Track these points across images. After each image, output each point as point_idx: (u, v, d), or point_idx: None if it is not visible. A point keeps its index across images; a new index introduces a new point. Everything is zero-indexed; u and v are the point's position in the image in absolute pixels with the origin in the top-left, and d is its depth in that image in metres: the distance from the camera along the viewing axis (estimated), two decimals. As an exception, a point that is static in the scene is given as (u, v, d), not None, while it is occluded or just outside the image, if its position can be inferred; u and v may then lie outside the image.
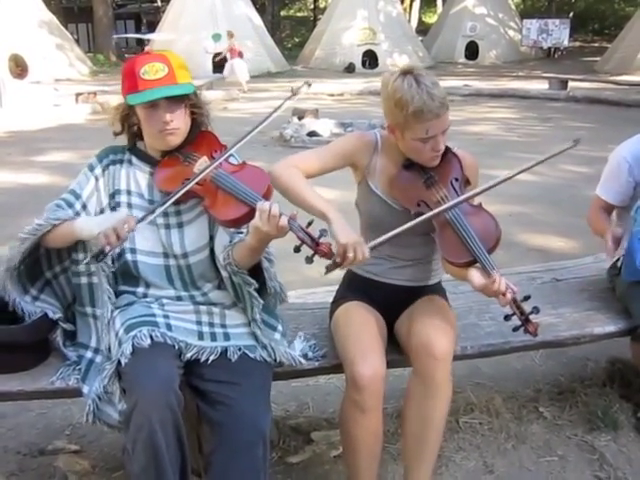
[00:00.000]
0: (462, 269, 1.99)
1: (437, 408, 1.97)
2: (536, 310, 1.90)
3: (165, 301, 2.02)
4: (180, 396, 1.78)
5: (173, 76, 1.90)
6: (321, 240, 1.73)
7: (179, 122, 1.93)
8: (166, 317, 1.95)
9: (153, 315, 1.93)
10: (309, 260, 1.75)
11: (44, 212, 1.96)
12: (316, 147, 8.11)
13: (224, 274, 1.99)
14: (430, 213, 1.98)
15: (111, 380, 1.83)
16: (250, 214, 1.81)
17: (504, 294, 1.88)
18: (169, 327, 1.91)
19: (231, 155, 1.98)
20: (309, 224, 1.75)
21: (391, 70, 2.05)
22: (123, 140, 2.05)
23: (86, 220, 1.94)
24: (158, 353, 1.80)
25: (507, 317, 1.93)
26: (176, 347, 1.88)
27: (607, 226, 2.59)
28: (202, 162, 1.96)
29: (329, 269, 1.89)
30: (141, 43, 18.12)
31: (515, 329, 1.93)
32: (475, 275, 1.93)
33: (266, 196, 1.84)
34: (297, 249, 1.74)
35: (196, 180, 1.88)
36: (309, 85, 2.02)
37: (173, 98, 1.89)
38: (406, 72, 1.98)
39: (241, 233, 1.91)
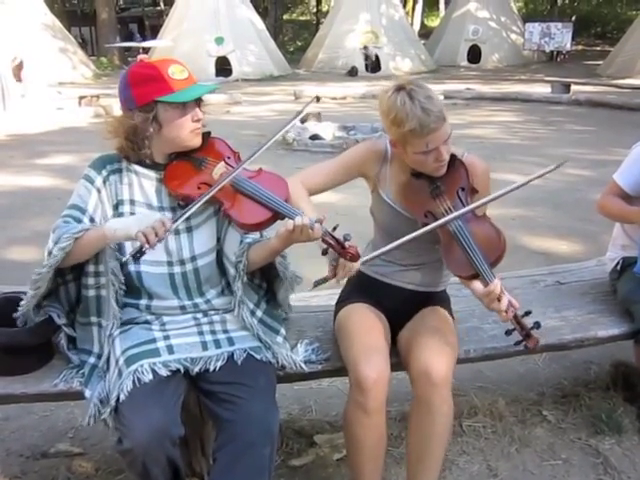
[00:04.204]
0: (466, 280, 2.00)
1: (437, 431, 1.97)
2: (537, 325, 1.92)
3: (166, 319, 2.01)
4: (180, 429, 1.78)
5: (193, 76, 1.94)
6: (347, 244, 1.77)
7: (203, 121, 1.97)
8: (167, 338, 1.94)
9: (154, 341, 1.92)
10: (334, 262, 1.81)
11: (52, 232, 1.88)
12: (318, 150, 8.08)
13: (232, 272, 2.01)
14: (431, 225, 1.98)
15: (111, 415, 1.81)
16: (273, 219, 1.86)
17: (506, 312, 1.88)
18: (170, 350, 1.90)
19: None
20: (334, 228, 1.80)
21: (386, 86, 2.02)
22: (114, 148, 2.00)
23: (117, 221, 1.89)
24: (157, 394, 1.78)
25: (508, 332, 1.95)
26: (181, 369, 1.88)
27: (633, 208, 2.53)
28: (220, 167, 1.98)
29: (318, 283, 1.92)
30: (147, 49, 18.15)
31: (516, 343, 1.95)
32: (479, 286, 1.93)
33: (288, 200, 1.88)
34: (325, 252, 1.80)
35: (224, 182, 1.88)
36: (318, 100, 2.05)
37: (197, 98, 1.93)
38: (399, 88, 1.96)
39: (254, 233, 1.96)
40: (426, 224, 2.02)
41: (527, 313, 1.92)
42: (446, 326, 2.14)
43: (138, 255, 1.75)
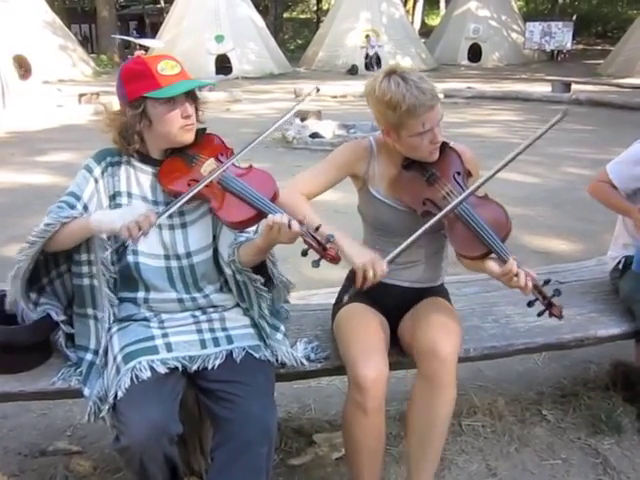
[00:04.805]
0: (478, 261, 1.97)
1: (442, 409, 1.96)
2: (558, 293, 1.88)
3: (165, 317, 2.00)
4: (178, 426, 1.78)
5: (186, 72, 1.93)
6: (328, 245, 1.75)
7: (194, 118, 1.95)
8: (165, 336, 1.94)
9: (152, 338, 1.92)
10: (316, 264, 1.76)
11: (46, 216, 1.90)
12: (318, 149, 8.06)
13: (228, 272, 2.00)
14: (442, 213, 1.95)
15: (109, 413, 1.80)
16: (258, 217, 1.84)
17: (526, 285, 1.86)
18: (169, 347, 1.90)
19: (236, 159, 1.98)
20: (317, 229, 1.77)
21: (374, 76, 2.02)
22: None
23: (103, 214, 1.88)
24: (155, 391, 1.77)
25: (530, 303, 1.91)
26: (180, 367, 1.87)
27: (628, 205, 2.55)
28: (209, 164, 1.96)
29: (351, 295, 1.91)
30: (146, 47, 18.15)
31: (540, 314, 1.91)
32: (494, 265, 1.92)
33: (274, 199, 1.86)
34: (304, 253, 1.76)
35: (208, 180, 1.87)
36: (317, 90, 2.02)
37: (189, 94, 1.91)
38: (390, 73, 1.97)
39: (247, 232, 1.93)
40: (427, 212, 2.01)
41: (546, 282, 1.90)
42: (448, 308, 2.15)
43: (121, 249, 1.75)
